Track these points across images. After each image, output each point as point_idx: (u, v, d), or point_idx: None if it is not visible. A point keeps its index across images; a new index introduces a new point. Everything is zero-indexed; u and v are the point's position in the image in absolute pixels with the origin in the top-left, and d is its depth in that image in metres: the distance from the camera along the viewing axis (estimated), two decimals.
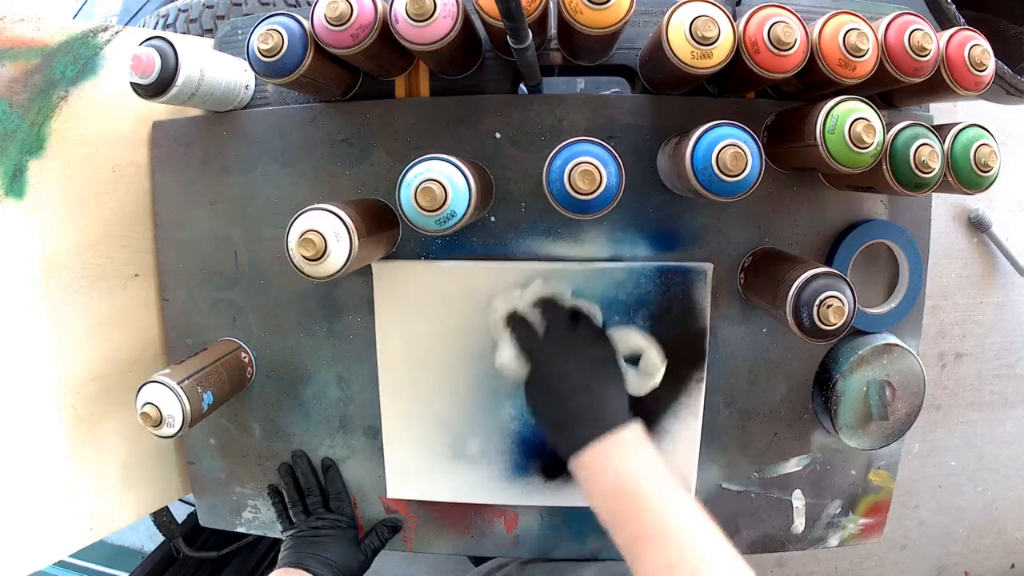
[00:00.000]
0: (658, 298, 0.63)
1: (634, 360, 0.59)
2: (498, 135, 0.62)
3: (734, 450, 0.68)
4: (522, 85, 0.64)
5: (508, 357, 0.58)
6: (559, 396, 0.52)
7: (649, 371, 0.59)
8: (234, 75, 0.62)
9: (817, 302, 0.49)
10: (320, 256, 0.48)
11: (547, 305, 0.59)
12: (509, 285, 0.63)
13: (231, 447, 0.71)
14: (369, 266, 0.63)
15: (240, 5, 0.89)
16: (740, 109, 0.61)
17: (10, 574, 0.61)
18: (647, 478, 0.47)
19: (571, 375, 0.53)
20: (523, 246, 0.64)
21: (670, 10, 0.49)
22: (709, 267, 0.63)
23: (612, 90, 0.85)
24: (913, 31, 0.50)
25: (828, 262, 0.64)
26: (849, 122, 0.47)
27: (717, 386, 0.66)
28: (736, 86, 0.59)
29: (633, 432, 0.50)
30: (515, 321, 0.58)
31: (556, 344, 0.55)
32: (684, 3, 0.49)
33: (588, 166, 0.48)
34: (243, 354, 0.68)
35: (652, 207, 0.63)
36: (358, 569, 0.67)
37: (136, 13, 1.15)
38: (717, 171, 0.46)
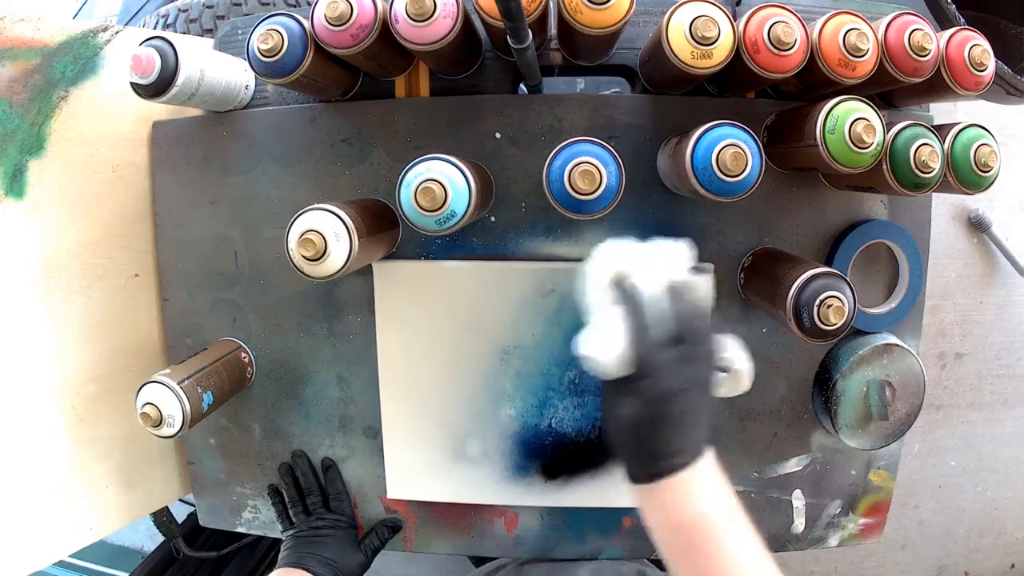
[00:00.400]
0: None
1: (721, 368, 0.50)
2: (498, 135, 0.62)
3: (734, 450, 0.68)
4: (522, 85, 0.64)
5: (609, 354, 0.44)
6: (660, 416, 0.44)
7: (736, 383, 0.51)
8: (234, 75, 0.62)
9: (817, 302, 0.49)
10: (320, 256, 0.48)
11: (682, 303, 0.45)
12: (512, 286, 0.63)
13: (231, 447, 0.71)
14: (369, 266, 0.63)
15: (240, 5, 0.89)
16: (740, 109, 0.61)
17: (10, 574, 0.61)
18: (721, 517, 0.43)
19: (684, 397, 0.44)
20: (523, 246, 0.64)
21: (670, 10, 0.49)
22: (710, 268, 0.63)
23: (612, 90, 0.85)
24: (913, 31, 0.50)
25: (828, 262, 0.64)
26: (849, 122, 0.47)
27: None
28: (736, 86, 0.59)
29: (709, 464, 0.45)
30: (634, 308, 0.45)
31: (686, 356, 0.44)
32: (684, 3, 0.49)
33: (588, 166, 0.48)
34: (243, 354, 0.68)
35: (652, 207, 0.63)
36: (358, 569, 0.67)
37: (136, 13, 1.15)
38: (717, 171, 0.46)
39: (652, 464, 0.44)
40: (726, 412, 0.67)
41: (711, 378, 0.46)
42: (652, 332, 0.44)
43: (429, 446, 0.68)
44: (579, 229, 0.63)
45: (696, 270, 0.48)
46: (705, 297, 0.51)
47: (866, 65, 0.50)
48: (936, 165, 0.49)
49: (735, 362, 0.50)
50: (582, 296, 0.48)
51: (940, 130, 0.52)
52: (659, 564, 0.82)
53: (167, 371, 0.58)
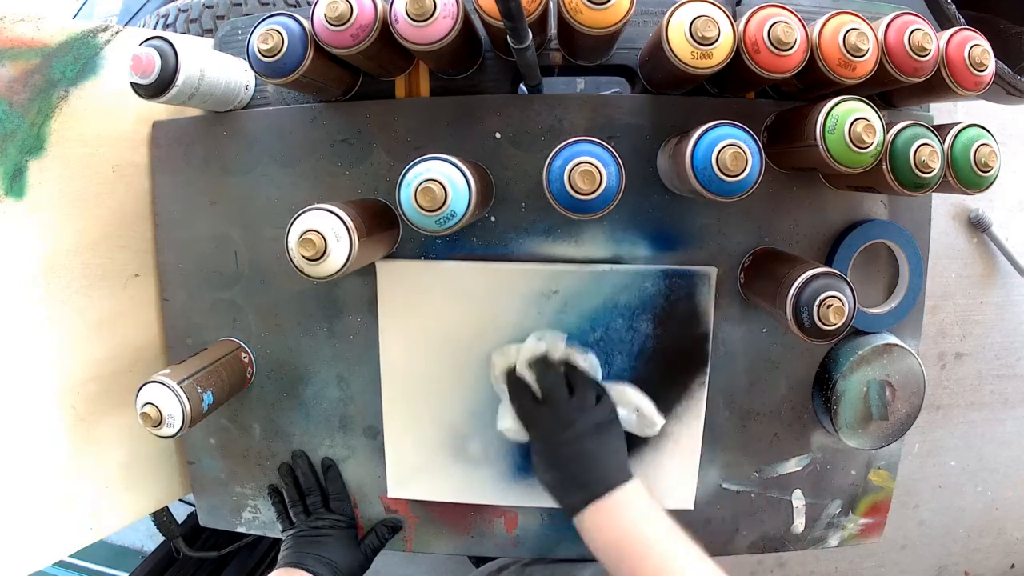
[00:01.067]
0: (661, 302, 0.63)
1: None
2: (498, 135, 0.62)
3: (734, 450, 0.68)
4: (522, 85, 0.64)
5: (510, 423, 0.60)
6: (560, 461, 0.55)
7: (648, 424, 0.61)
8: (234, 75, 0.62)
9: (817, 302, 0.49)
10: (320, 256, 0.48)
11: (542, 367, 0.59)
12: (515, 286, 0.63)
13: (231, 447, 0.71)
14: (370, 266, 0.63)
15: (240, 5, 0.88)
16: (740, 109, 0.61)
17: (10, 574, 0.61)
18: (649, 525, 0.50)
19: (570, 441, 0.54)
20: (523, 246, 0.64)
21: (670, 10, 0.49)
22: (713, 271, 0.63)
23: (612, 90, 0.85)
24: (913, 31, 0.50)
25: (828, 262, 0.64)
26: (849, 122, 0.47)
27: (717, 386, 0.66)
28: (736, 86, 0.59)
29: (633, 488, 0.53)
30: (514, 387, 0.60)
31: (554, 411, 0.56)
32: (684, 3, 0.49)
33: (588, 166, 0.48)
34: (243, 354, 0.68)
35: (652, 207, 0.63)
36: (358, 569, 0.67)
37: (136, 13, 1.15)
38: (717, 171, 0.46)
39: (572, 498, 0.53)
40: (726, 412, 0.67)
41: (599, 420, 0.56)
42: (521, 402, 0.59)
43: (430, 446, 0.68)
44: (579, 229, 0.63)
45: (572, 346, 0.62)
46: (582, 363, 0.61)
47: (866, 65, 0.50)
48: (936, 165, 0.49)
49: (640, 406, 0.61)
50: (494, 381, 0.63)
51: (940, 130, 0.52)
52: None
53: (167, 371, 0.58)
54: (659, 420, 0.61)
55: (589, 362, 0.62)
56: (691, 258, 0.64)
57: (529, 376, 0.60)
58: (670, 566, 0.47)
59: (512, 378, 0.60)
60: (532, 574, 0.73)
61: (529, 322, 0.64)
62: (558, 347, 0.61)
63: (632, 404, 0.61)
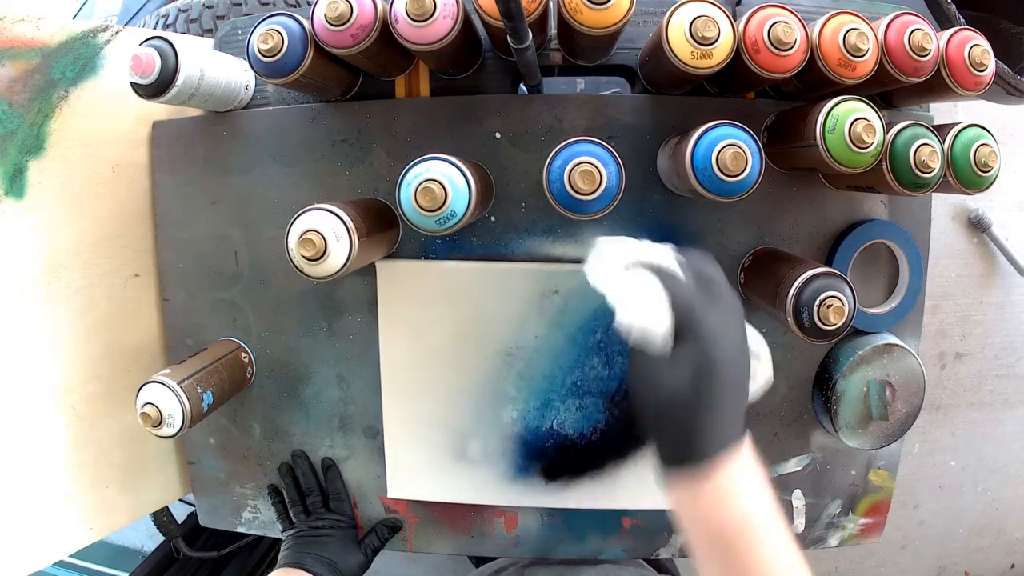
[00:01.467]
0: None
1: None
2: (498, 135, 0.62)
3: None
4: (522, 85, 0.64)
5: (653, 316, 0.39)
6: (703, 390, 0.38)
7: (762, 378, 0.45)
8: (234, 75, 0.62)
9: (817, 302, 0.49)
10: (320, 256, 0.48)
11: (704, 260, 0.43)
12: (516, 287, 0.63)
13: (231, 447, 0.71)
14: (370, 266, 0.63)
15: (240, 5, 0.88)
16: (740, 109, 0.61)
17: (10, 574, 0.61)
18: (764, 520, 0.39)
19: (727, 369, 0.39)
20: (523, 246, 0.64)
21: (670, 10, 0.49)
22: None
23: (612, 90, 0.85)
24: (913, 31, 0.50)
25: (828, 262, 0.64)
26: (849, 122, 0.47)
27: None
28: (736, 86, 0.59)
29: (749, 453, 0.40)
30: (665, 272, 0.41)
31: (721, 317, 0.39)
32: (684, 3, 0.49)
33: (588, 166, 0.48)
34: (243, 354, 0.68)
35: (652, 207, 0.63)
36: (358, 569, 0.67)
37: (136, 13, 1.15)
38: (717, 171, 0.46)
39: (697, 447, 0.38)
40: None
41: (740, 364, 0.40)
42: (694, 292, 0.39)
43: (430, 446, 0.68)
44: (579, 229, 0.63)
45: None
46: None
47: (866, 65, 0.50)
48: (936, 165, 0.49)
49: (760, 353, 0.45)
50: (597, 277, 0.44)
51: (940, 130, 0.52)
52: (658, 565, 0.82)
53: (167, 371, 0.58)
54: (770, 375, 0.46)
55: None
56: None
57: (685, 266, 0.42)
58: (772, 566, 0.38)
59: (663, 264, 0.42)
60: (533, 574, 0.72)
61: (529, 322, 0.64)
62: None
63: (753, 348, 0.44)
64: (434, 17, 0.49)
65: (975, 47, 0.52)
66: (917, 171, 0.49)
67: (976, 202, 1.46)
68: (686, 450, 0.38)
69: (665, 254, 0.43)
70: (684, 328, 0.39)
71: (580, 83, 0.87)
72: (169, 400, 0.56)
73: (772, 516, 0.39)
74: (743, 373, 0.40)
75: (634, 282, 0.40)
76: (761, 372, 0.45)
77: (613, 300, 0.41)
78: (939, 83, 0.53)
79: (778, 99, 0.62)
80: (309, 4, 0.72)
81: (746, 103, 0.62)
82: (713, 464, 0.38)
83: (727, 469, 0.38)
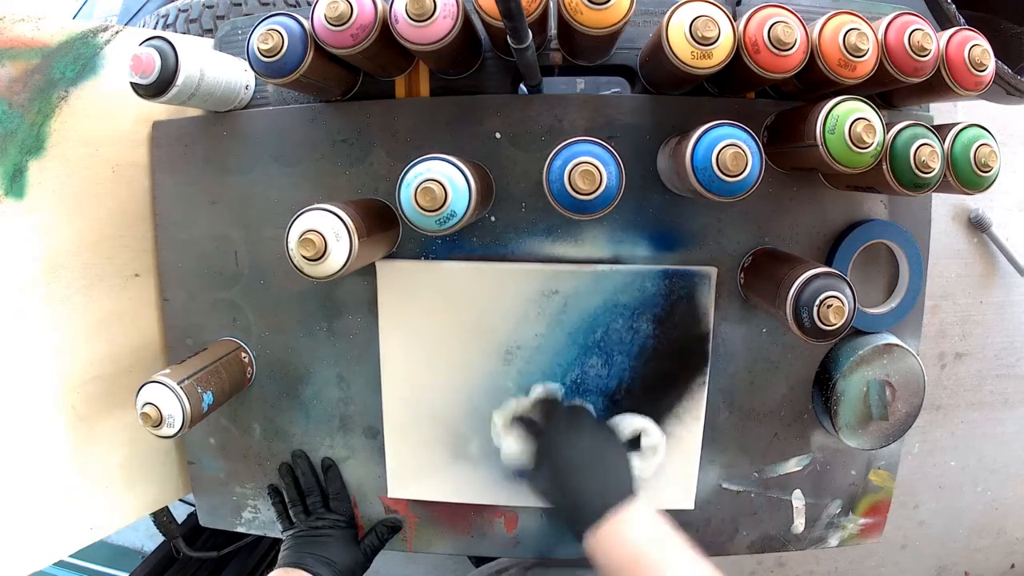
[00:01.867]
0: (661, 302, 0.63)
1: (636, 442, 0.61)
2: (498, 135, 0.62)
3: (734, 450, 0.68)
4: (522, 85, 0.64)
5: (513, 449, 0.60)
6: (566, 481, 0.54)
7: (652, 446, 0.61)
8: (234, 75, 0.62)
9: (817, 302, 0.49)
10: (320, 256, 0.48)
11: (545, 404, 0.62)
12: (516, 287, 0.63)
13: (231, 447, 0.71)
14: (370, 266, 0.63)
15: (240, 5, 0.89)
16: (740, 109, 0.61)
17: (10, 574, 0.61)
18: (661, 545, 0.50)
19: (575, 459, 0.55)
20: (523, 246, 0.64)
21: (670, 10, 0.49)
22: (713, 271, 0.63)
23: (612, 90, 0.85)
24: (913, 31, 0.50)
25: (828, 262, 0.64)
26: (849, 122, 0.47)
27: (717, 386, 0.66)
28: (736, 86, 0.59)
29: (641, 505, 0.52)
30: (516, 420, 0.61)
31: (559, 434, 0.57)
32: (684, 3, 0.49)
33: (588, 166, 0.47)
34: (243, 354, 0.68)
35: (652, 207, 0.63)
36: (357, 569, 0.67)
37: (136, 13, 1.15)
38: (717, 171, 0.46)
39: (581, 517, 0.52)
40: (726, 412, 0.67)
41: (602, 439, 0.57)
42: (524, 424, 0.60)
43: (430, 445, 0.68)
44: (579, 229, 0.63)
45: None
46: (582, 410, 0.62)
47: (866, 65, 0.50)
48: (936, 165, 0.49)
49: (649, 434, 0.61)
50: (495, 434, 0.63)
51: (940, 130, 0.52)
52: None
53: (167, 371, 0.58)
54: (662, 437, 0.61)
55: (588, 409, 0.63)
56: (691, 258, 0.64)
57: (533, 415, 0.62)
58: None
59: (515, 419, 0.62)
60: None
61: (529, 322, 0.64)
62: (558, 394, 0.64)
63: (635, 427, 0.61)
64: (434, 17, 0.49)
65: (975, 47, 0.52)
66: (917, 171, 0.49)
67: (976, 202, 1.46)
68: (570, 524, 0.53)
69: (527, 401, 0.63)
70: (533, 456, 0.58)
71: (580, 83, 0.87)
72: (169, 400, 0.56)
73: (667, 545, 0.50)
74: (590, 466, 0.55)
75: (504, 438, 0.61)
76: (650, 439, 0.61)
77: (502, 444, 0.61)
78: (939, 83, 0.53)
79: (778, 99, 0.62)
80: (309, 4, 0.72)
81: (746, 103, 0.62)
82: (598, 522, 0.51)
83: (611, 522, 0.51)
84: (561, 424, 0.59)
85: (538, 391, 0.64)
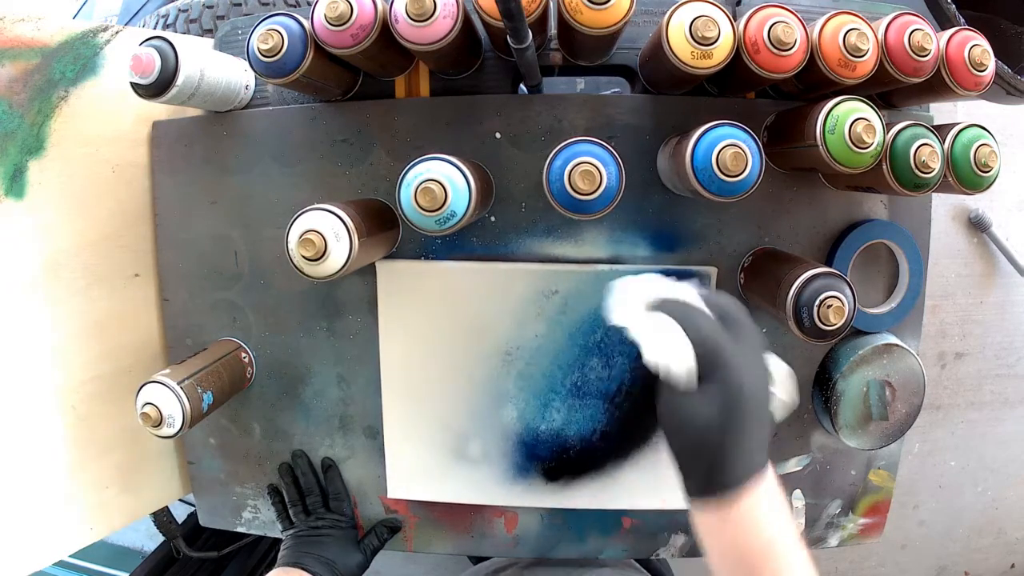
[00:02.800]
0: None
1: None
2: (498, 135, 0.62)
3: None
4: (522, 85, 0.64)
5: (678, 354, 0.40)
6: (729, 423, 0.39)
7: (783, 403, 0.46)
8: (234, 75, 0.62)
9: (817, 302, 0.49)
10: (320, 256, 0.48)
11: (726, 299, 0.44)
12: (516, 287, 0.63)
13: (231, 447, 0.71)
14: (370, 266, 0.63)
15: (240, 5, 0.89)
16: (740, 109, 0.61)
17: (10, 574, 0.61)
18: (787, 545, 0.40)
19: (752, 401, 0.40)
20: (523, 246, 0.64)
21: (670, 10, 0.49)
22: (713, 271, 0.63)
23: (612, 90, 0.85)
24: (913, 31, 0.50)
25: (828, 262, 0.64)
26: (849, 122, 0.47)
27: None
28: (736, 86, 0.59)
29: (773, 480, 0.41)
30: (688, 310, 0.41)
31: (744, 350, 0.41)
32: (684, 3, 0.49)
33: (588, 166, 0.48)
34: (243, 354, 0.68)
35: (652, 207, 0.63)
36: (357, 569, 0.67)
37: (136, 13, 1.15)
38: (717, 171, 0.46)
39: (724, 476, 0.39)
40: None
41: (764, 397, 0.42)
42: (718, 330, 0.40)
43: (430, 446, 0.68)
44: (579, 229, 0.63)
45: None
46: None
47: (866, 65, 0.50)
48: (936, 165, 0.49)
49: (782, 378, 0.46)
50: (621, 317, 0.43)
51: (940, 130, 0.52)
52: (650, 568, 0.82)
53: (167, 371, 0.58)
54: (794, 399, 0.46)
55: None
56: (691, 258, 0.64)
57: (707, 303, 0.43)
58: None
59: (686, 302, 0.42)
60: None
61: (529, 322, 0.64)
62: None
63: (775, 375, 0.46)
64: (434, 17, 0.49)
65: (975, 47, 0.52)
66: (917, 171, 0.49)
67: (976, 202, 1.46)
68: (714, 479, 0.39)
69: (688, 292, 0.43)
70: (709, 366, 0.39)
71: (580, 83, 0.87)
72: (169, 400, 0.56)
73: (794, 540, 0.40)
74: (765, 406, 0.41)
75: (657, 322, 0.41)
76: (782, 398, 0.45)
77: (638, 339, 0.42)
78: (939, 83, 0.53)
79: (778, 99, 0.62)
80: (309, 4, 0.72)
81: (746, 103, 0.62)
82: (739, 492, 0.39)
83: (752, 496, 0.39)
84: (754, 337, 0.41)
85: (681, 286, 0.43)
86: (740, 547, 0.39)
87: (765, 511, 0.40)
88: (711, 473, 0.40)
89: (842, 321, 0.49)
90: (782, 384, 0.45)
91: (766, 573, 0.39)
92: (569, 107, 0.62)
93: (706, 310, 0.41)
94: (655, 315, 0.41)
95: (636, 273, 0.56)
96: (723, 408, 0.39)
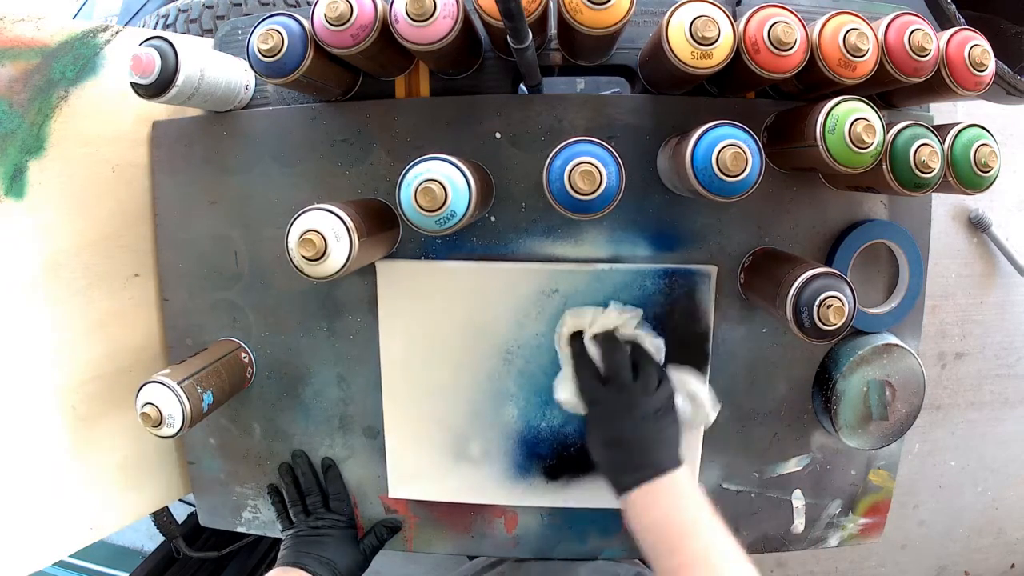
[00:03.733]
0: (661, 300, 0.63)
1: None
2: (498, 135, 0.62)
3: (734, 450, 0.68)
4: (522, 85, 0.64)
5: (568, 396, 0.60)
6: (618, 442, 0.55)
7: (701, 415, 0.61)
8: (234, 75, 0.62)
9: (817, 302, 0.49)
10: (320, 256, 0.48)
11: (610, 344, 0.59)
12: (516, 286, 0.63)
13: (231, 447, 0.71)
14: (370, 266, 0.63)
15: (240, 5, 0.89)
16: (740, 109, 0.61)
17: (10, 574, 0.61)
18: (691, 513, 0.51)
19: (630, 425, 0.55)
20: (523, 246, 0.64)
21: (670, 10, 0.49)
22: (713, 270, 0.63)
23: (612, 90, 0.85)
24: (913, 31, 0.50)
25: (828, 262, 0.64)
26: (849, 122, 0.47)
27: (717, 386, 0.65)
28: (736, 86, 0.59)
29: (682, 474, 0.53)
30: (579, 359, 0.60)
31: (618, 393, 0.56)
32: (684, 3, 0.49)
33: (588, 166, 0.48)
34: (243, 354, 0.68)
35: (652, 207, 0.63)
36: (356, 569, 0.67)
37: (136, 13, 1.15)
38: (717, 171, 0.46)
39: (624, 477, 0.53)
40: (726, 412, 0.67)
41: (658, 407, 0.56)
42: (584, 377, 0.59)
43: (431, 446, 0.68)
44: (579, 229, 0.63)
45: (642, 326, 0.61)
46: (649, 345, 0.60)
47: (866, 65, 0.50)
48: (936, 165, 0.49)
49: (697, 394, 0.60)
50: (561, 348, 0.62)
51: (940, 130, 0.52)
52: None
53: (167, 371, 0.58)
54: (713, 411, 0.61)
55: (656, 345, 0.61)
56: (691, 258, 0.64)
57: (594, 350, 0.59)
58: (707, 556, 0.48)
59: (578, 348, 0.60)
60: (529, 570, 0.73)
61: (529, 321, 0.64)
62: (630, 324, 0.61)
63: (690, 391, 0.60)
64: (434, 17, 0.49)
65: (975, 47, 0.52)
66: (917, 171, 0.49)
67: (976, 202, 1.46)
68: (612, 478, 0.55)
69: (614, 319, 0.61)
70: (584, 400, 0.59)
71: (580, 83, 0.87)
72: (169, 400, 0.56)
73: (699, 516, 0.51)
74: (642, 426, 0.55)
75: (565, 362, 0.62)
76: (701, 414, 0.61)
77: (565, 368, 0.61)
78: (939, 83, 0.53)
79: (778, 99, 0.62)
80: (309, 4, 0.72)
81: (746, 103, 0.62)
82: (641, 482, 0.52)
83: (652, 487, 0.52)
84: (621, 383, 0.57)
85: (607, 318, 0.61)
86: (662, 520, 0.51)
87: (663, 497, 0.52)
88: (611, 475, 0.55)
89: (842, 321, 0.49)
90: (696, 402, 0.60)
91: (667, 539, 0.50)
92: (569, 107, 0.62)
93: (591, 356, 0.59)
94: (566, 361, 0.61)
95: (637, 273, 0.61)
96: (598, 431, 0.56)
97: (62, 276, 0.64)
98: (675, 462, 0.54)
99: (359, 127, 0.63)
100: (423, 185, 0.47)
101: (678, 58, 0.49)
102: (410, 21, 0.49)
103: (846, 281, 0.50)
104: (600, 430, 0.56)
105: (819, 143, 0.48)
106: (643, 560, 0.78)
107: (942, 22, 0.73)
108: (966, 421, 1.52)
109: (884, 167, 0.50)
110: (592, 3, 0.47)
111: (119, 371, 0.69)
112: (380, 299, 0.65)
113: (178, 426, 0.56)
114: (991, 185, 0.51)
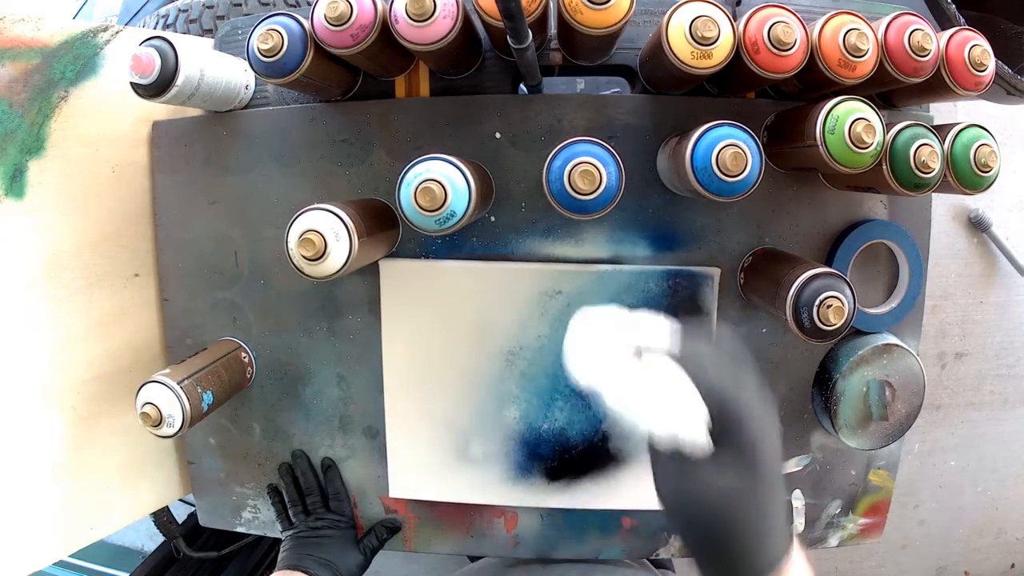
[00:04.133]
0: (664, 302, 0.63)
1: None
2: (498, 135, 0.62)
3: None
4: (522, 85, 0.64)
5: (689, 418, 0.33)
6: (753, 488, 0.34)
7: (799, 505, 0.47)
8: (234, 75, 0.62)
9: (817, 302, 0.49)
10: (320, 256, 0.48)
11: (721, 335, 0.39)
12: (519, 287, 0.63)
13: (231, 447, 0.71)
14: (370, 266, 0.63)
15: (240, 5, 0.89)
16: (740, 109, 0.61)
17: (10, 574, 0.61)
18: None
19: (777, 457, 0.34)
20: (523, 246, 0.64)
21: (670, 10, 0.49)
22: (716, 272, 0.63)
23: (612, 90, 0.85)
24: (913, 31, 0.50)
25: (828, 262, 0.64)
26: (849, 122, 0.47)
27: None
28: (736, 86, 0.59)
29: (800, 563, 0.36)
30: (687, 364, 0.36)
31: (756, 405, 0.35)
32: (684, 3, 0.49)
33: (588, 166, 0.48)
34: (243, 354, 0.68)
35: (652, 207, 0.63)
36: (356, 569, 0.67)
37: (136, 13, 1.15)
38: (717, 171, 0.46)
39: (754, 566, 0.33)
40: None
41: (755, 487, 0.35)
42: (724, 377, 0.35)
43: (432, 446, 0.68)
44: (579, 229, 0.63)
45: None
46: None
47: (866, 65, 0.50)
48: (936, 165, 0.49)
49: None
50: (587, 373, 0.38)
51: (940, 130, 0.52)
52: (656, 563, 0.82)
53: (167, 371, 0.58)
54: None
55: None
56: (691, 258, 0.63)
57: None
58: None
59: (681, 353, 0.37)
60: (520, 572, 0.72)
61: (531, 322, 0.64)
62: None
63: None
64: (434, 17, 0.49)
65: (975, 47, 0.52)
66: (917, 171, 0.49)
67: (976, 202, 1.46)
68: (743, 571, 0.34)
69: (663, 328, 0.36)
70: (723, 425, 0.33)
71: (580, 83, 0.87)
72: (169, 400, 0.56)
73: None
74: (779, 465, 0.35)
75: (647, 375, 0.33)
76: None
77: (617, 404, 0.33)
78: (939, 83, 0.53)
79: (778, 99, 0.62)
80: (309, 4, 0.72)
81: (746, 103, 0.62)
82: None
83: None
84: (745, 384, 0.37)
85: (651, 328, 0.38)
86: None
87: None
88: (737, 564, 0.34)
89: (842, 321, 0.49)
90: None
91: None
92: (569, 107, 0.62)
93: (705, 356, 0.35)
94: (646, 367, 0.34)
95: (640, 274, 0.59)
96: (742, 478, 0.33)
97: (62, 276, 0.64)
98: (788, 547, 0.36)
99: (359, 127, 0.63)
100: (423, 185, 0.47)
101: (678, 58, 0.49)
102: (410, 21, 0.49)
103: (846, 281, 0.50)
104: (740, 464, 0.35)
105: (819, 143, 0.48)
106: (647, 559, 0.78)
107: (942, 22, 0.73)
108: (966, 421, 1.52)
109: (884, 167, 0.50)
110: (592, 3, 0.47)
111: (119, 371, 0.69)
112: (383, 299, 0.65)
113: (178, 426, 0.56)
114: (991, 185, 0.51)
